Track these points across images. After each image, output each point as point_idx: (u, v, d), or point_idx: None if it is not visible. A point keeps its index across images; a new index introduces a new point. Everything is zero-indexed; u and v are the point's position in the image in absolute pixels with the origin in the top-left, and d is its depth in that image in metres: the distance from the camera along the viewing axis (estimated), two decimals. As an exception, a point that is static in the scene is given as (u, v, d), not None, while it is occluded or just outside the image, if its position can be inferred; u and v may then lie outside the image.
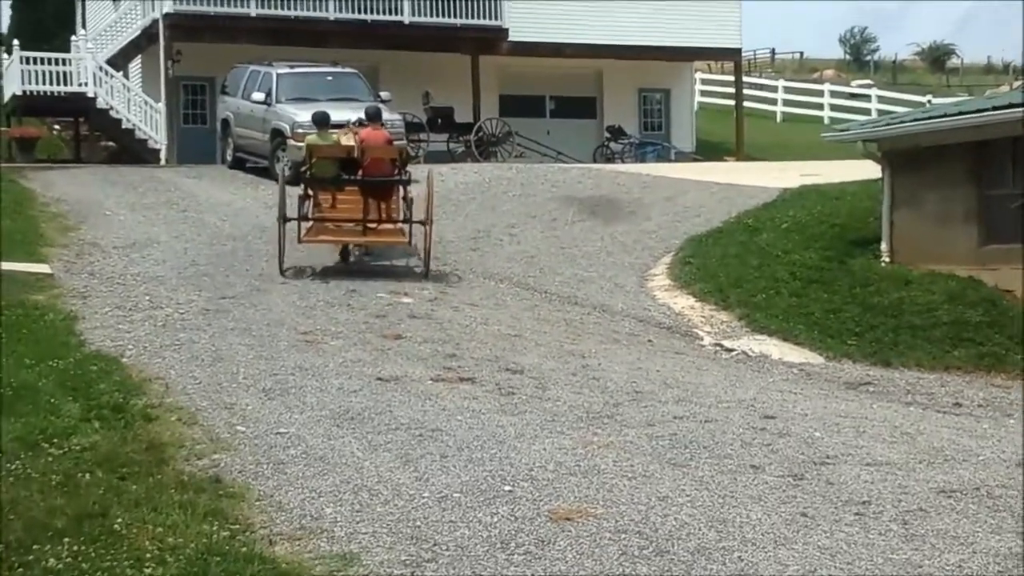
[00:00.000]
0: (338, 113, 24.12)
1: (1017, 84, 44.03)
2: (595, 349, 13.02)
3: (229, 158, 27.60)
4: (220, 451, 8.36)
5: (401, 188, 16.94)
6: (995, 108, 16.01)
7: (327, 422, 9.19)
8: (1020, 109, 15.32)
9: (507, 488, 7.80)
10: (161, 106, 30.10)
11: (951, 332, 14.62)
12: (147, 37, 31.54)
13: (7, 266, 14.29)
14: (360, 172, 16.86)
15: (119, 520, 6.79)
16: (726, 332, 15.09)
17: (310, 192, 16.90)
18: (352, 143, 17.29)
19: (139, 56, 32.63)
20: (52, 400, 9.04)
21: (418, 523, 7.13)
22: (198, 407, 9.42)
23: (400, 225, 16.86)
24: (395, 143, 18.36)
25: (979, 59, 71.27)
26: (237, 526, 6.93)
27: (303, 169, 17.05)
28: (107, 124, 30.80)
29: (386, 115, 25.17)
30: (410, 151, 21.04)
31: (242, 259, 16.94)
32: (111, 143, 32.02)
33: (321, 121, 18.25)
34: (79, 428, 8.49)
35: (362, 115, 18.54)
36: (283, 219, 16.01)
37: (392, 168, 16.99)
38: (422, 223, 16.33)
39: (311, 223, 16.70)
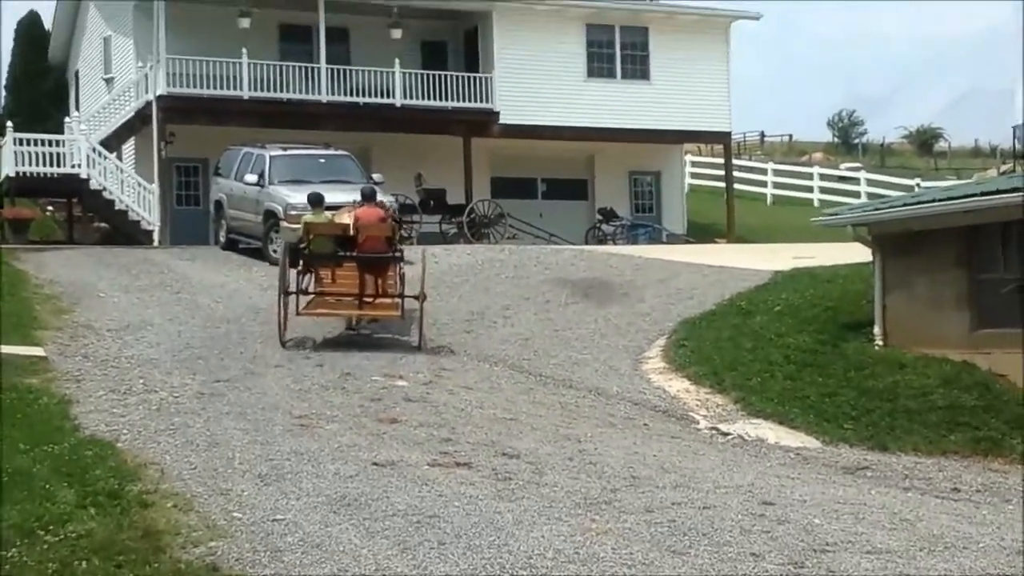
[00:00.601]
0: (331, 195, 24.35)
1: (1004, 168, 44.42)
2: (591, 433, 12.98)
3: (222, 239, 27.66)
4: (217, 538, 8.29)
5: (395, 264, 17.65)
6: (984, 193, 16.13)
7: (324, 508, 9.13)
8: (1009, 195, 15.42)
9: (507, 577, 7.74)
10: (154, 187, 30.21)
11: (947, 416, 14.61)
12: (141, 119, 31.74)
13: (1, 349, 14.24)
14: (356, 249, 17.48)
15: (116, 610, 6.72)
16: (722, 415, 15.06)
17: (309, 268, 17.67)
18: (349, 222, 17.81)
19: (132, 137, 32.79)
20: (47, 486, 8.98)
21: (418, 613, 7.06)
22: (194, 493, 9.35)
23: (395, 300, 17.46)
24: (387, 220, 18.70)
25: (967, 142, 71.98)
26: (235, 616, 6.85)
27: (302, 246, 17.56)
28: (100, 205, 30.86)
29: (378, 197, 25.37)
30: (402, 231, 21.23)
31: (236, 341, 16.92)
32: (104, 224, 32.04)
33: (316, 201, 19.00)
34: (75, 515, 8.43)
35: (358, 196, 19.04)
36: (284, 293, 16.78)
37: (387, 245, 17.64)
38: (415, 298, 17.06)
39: (311, 297, 17.51)
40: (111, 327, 17.39)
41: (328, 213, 18.83)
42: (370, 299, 17.42)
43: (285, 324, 16.67)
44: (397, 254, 17.66)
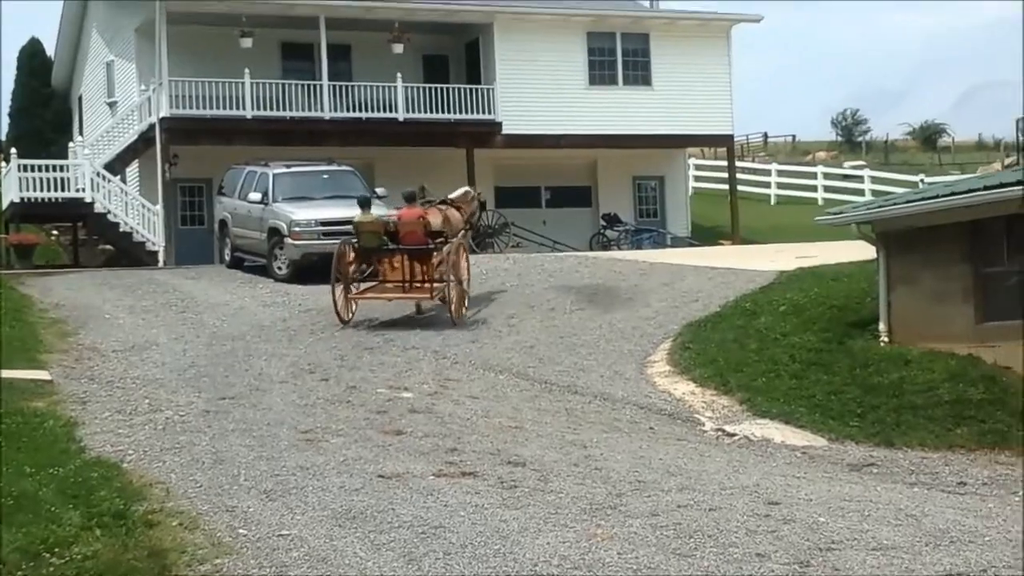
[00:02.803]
0: (334, 210, 24.61)
1: (1008, 161, 44.35)
2: (596, 438, 12.98)
3: (227, 258, 27.77)
4: (222, 555, 8.30)
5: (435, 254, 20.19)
6: (987, 188, 16.10)
7: (329, 522, 9.14)
8: (1012, 188, 15.40)
9: (511, 584, 7.75)
10: (159, 208, 30.33)
11: (953, 411, 14.58)
12: (144, 141, 31.88)
13: (6, 374, 14.27)
14: (399, 243, 20.41)
15: (121, 630, 6.73)
16: (727, 417, 15.05)
17: (361, 259, 20.51)
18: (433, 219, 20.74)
19: (136, 160, 32.96)
20: (53, 508, 8.99)
21: (422, 623, 7.07)
22: (199, 511, 9.37)
23: (436, 285, 20.10)
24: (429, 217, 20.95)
25: (970, 136, 71.89)
26: (240, 632, 6.86)
27: (353, 241, 20.40)
28: (105, 228, 31.01)
29: (382, 211, 25.49)
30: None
31: (242, 359, 16.96)
32: (109, 246, 32.21)
33: (364, 203, 21.57)
34: (80, 536, 8.44)
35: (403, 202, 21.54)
36: (336, 281, 19.84)
37: (425, 238, 20.32)
38: (459, 282, 20.08)
39: (358, 285, 20.54)
40: (116, 348, 17.45)
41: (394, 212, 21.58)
42: (414, 284, 20.13)
43: (342, 308, 19.73)
44: (432, 246, 20.17)
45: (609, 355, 17.96)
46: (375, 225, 20.70)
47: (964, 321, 16.52)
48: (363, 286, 20.58)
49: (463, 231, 22.01)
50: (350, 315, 20.02)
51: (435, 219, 20.80)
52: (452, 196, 22.82)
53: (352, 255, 20.37)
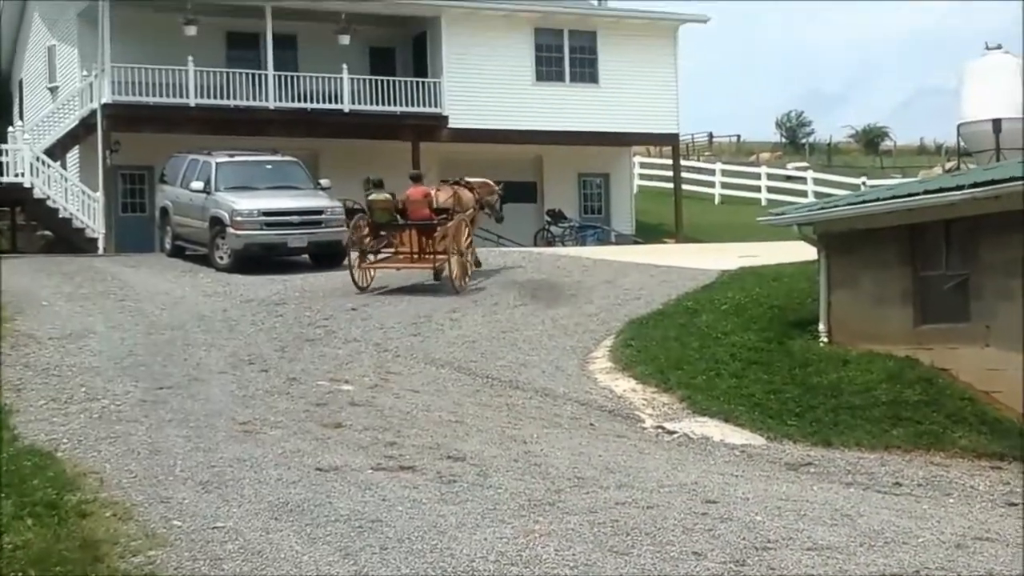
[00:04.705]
0: (278, 200, 24.59)
1: (949, 165, 44.86)
2: (537, 434, 12.98)
3: (168, 246, 27.51)
4: (156, 547, 8.21)
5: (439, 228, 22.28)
6: (927, 192, 16.26)
7: (265, 515, 9.07)
8: (953, 192, 15.56)
9: (448, 580, 7.72)
10: (99, 195, 30.00)
11: (890, 411, 14.70)
12: (85, 127, 31.51)
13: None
14: (407, 218, 22.77)
15: (50, 621, 6.64)
16: (668, 414, 15.10)
17: (374, 233, 22.67)
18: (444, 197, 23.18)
19: (77, 146, 32.56)
20: (-17, 498, 8.86)
21: (357, 617, 7.02)
22: (134, 502, 9.26)
23: (438, 257, 22.30)
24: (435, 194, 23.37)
25: (912, 140, 72.63)
26: (172, 625, 6.79)
27: (367, 219, 22.63)
28: (44, 214, 30.64)
29: (325, 202, 25.42)
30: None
31: (180, 348, 16.80)
32: (48, 233, 31.81)
33: (378, 184, 23.41)
34: (12, 526, 8.32)
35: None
36: (350, 247, 22.47)
37: (430, 214, 22.65)
38: (459, 253, 22.21)
39: (376, 254, 22.93)
40: (53, 335, 17.21)
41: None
42: (423, 256, 22.55)
43: (359, 277, 22.12)
44: (436, 222, 22.34)
45: (551, 351, 17.96)
46: (386, 203, 22.87)
47: (902, 323, 16.69)
48: (379, 256, 22.96)
49: (472, 209, 23.89)
50: (367, 283, 22.26)
51: (442, 196, 23.26)
52: (471, 180, 24.93)
53: (367, 229, 22.59)
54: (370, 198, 22.97)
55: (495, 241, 32.67)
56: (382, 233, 22.85)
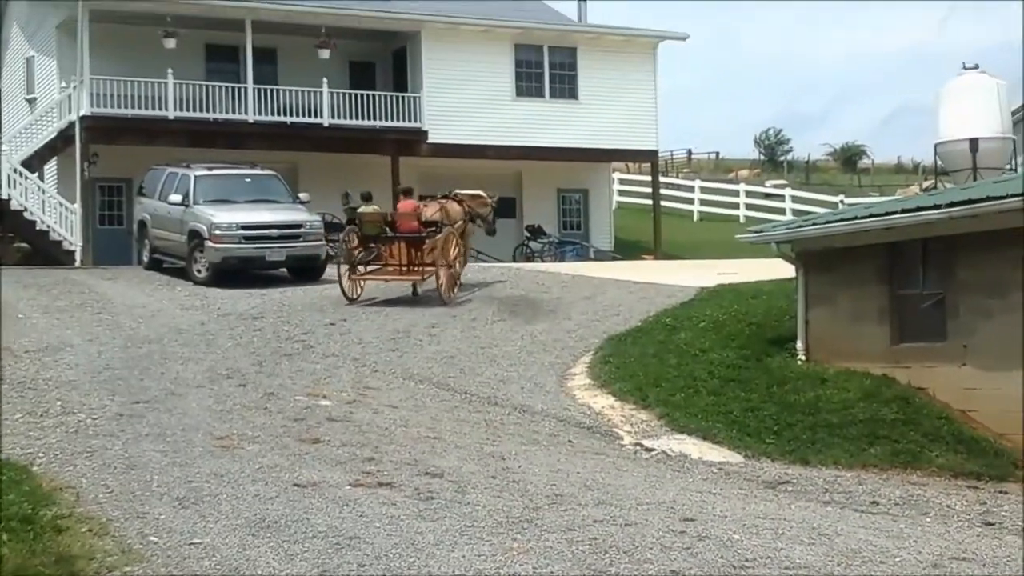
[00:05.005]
0: (256, 214, 24.58)
1: (926, 184, 45.11)
2: (515, 451, 12.96)
3: (146, 259, 27.42)
4: (132, 563, 8.16)
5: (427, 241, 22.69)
6: (904, 211, 16.34)
7: (242, 531, 9.02)
8: (930, 212, 15.64)
9: (425, 597, 7.69)
10: (76, 207, 29.88)
11: (867, 430, 14.74)
12: (63, 139, 31.38)
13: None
14: (395, 231, 23.21)
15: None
16: (646, 431, 15.11)
17: (363, 244, 23.13)
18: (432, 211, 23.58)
19: (55, 158, 32.41)
20: (-42, 512, 8.79)
21: (335, 635, 6.99)
22: (110, 517, 9.21)
23: (425, 268, 22.72)
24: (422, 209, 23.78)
25: (890, 159, 73.01)
26: (148, 642, 6.74)
27: (357, 230, 23.13)
28: (21, 225, 30.48)
29: (304, 216, 25.41)
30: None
31: (158, 362, 16.73)
32: (25, 244, 31.62)
33: (367, 198, 24.14)
34: (-15, 541, 8.25)
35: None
36: (341, 262, 23.13)
37: (418, 227, 23.07)
38: (448, 266, 22.72)
39: (366, 266, 23.21)
40: (29, 348, 17.12)
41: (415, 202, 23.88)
42: (412, 268, 22.92)
43: (348, 288, 22.41)
44: (424, 235, 22.77)
45: (530, 367, 17.96)
46: (375, 216, 23.56)
47: (879, 341, 16.75)
48: (368, 268, 23.29)
49: (462, 222, 24.23)
50: (356, 294, 22.60)
51: (429, 211, 23.56)
52: (462, 192, 25.31)
53: (356, 241, 23.11)
54: (360, 211, 23.48)
55: (474, 256, 32.65)
56: (371, 245, 23.22)
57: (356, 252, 23.12)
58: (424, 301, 22.73)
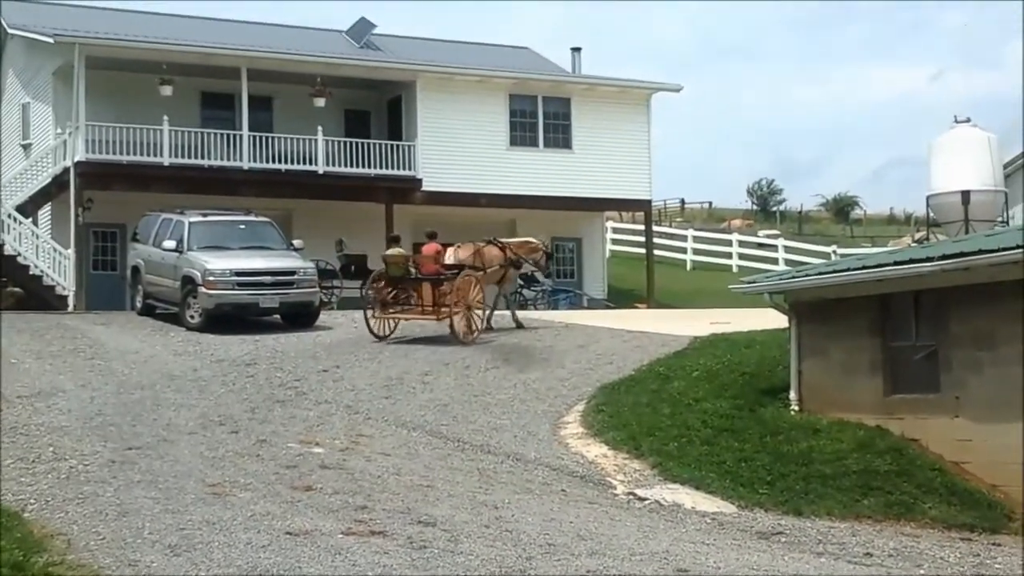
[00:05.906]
0: (250, 261, 24.61)
1: (918, 235, 45.28)
2: (508, 499, 12.92)
3: (139, 304, 27.42)
4: (123, 611, 8.11)
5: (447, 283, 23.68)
6: (897, 263, 16.39)
7: (234, 579, 8.98)
8: (923, 264, 15.70)
9: (418, 647, 7.64)
10: (70, 252, 29.91)
11: (860, 481, 14.71)
12: (58, 184, 31.48)
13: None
14: (419, 273, 24.32)
15: None
16: (639, 481, 15.07)
17: (389, 285, 24.27)
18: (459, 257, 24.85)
19: (49, 203, 32.50)
20: (-52, 558, 8.74)
21: None
22: (101, 564, 9.15)
23: (443, 310, 23.50)
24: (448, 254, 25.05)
25: (882, 210, 73.35)
26: None
27: (382, 273, 24.45)
28: (14, 270, 30.50)
29: (298, 263, 25.47)
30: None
31: (150, 408, 16.69)
32: (18, 289, 31.64)
33: (394, 240, 26.25)
34: (-24, 588, 8.22)
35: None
36: (367, 304, 24.50)
37: (438, 269, 24.20)
38: (467, 308, 23.61)
39: (389, 306, 24.26)
40: (21, 394, 17.08)
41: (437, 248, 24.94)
42: (430, 307, 23.80)
43: (376, 326, 23.65)
44: (444, 276, 23.84)
45: (523, 415, 17.94)
46: (400, 258, 24.71)
47: (872, 393, 16.76)
48: (392, 309, 24.34)
49: (500, 267, 25.56)
50: (387, 332, 23.83)
51: (462, 253, 25.01)
52: (507, 240, 26.93)
53: (383, 282, 24.24)
54: (385, 254, 24.88)
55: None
56: (398, 287, 24.28)
57: (384, 292, 24.14)
58: (448, 339, 23.40)
